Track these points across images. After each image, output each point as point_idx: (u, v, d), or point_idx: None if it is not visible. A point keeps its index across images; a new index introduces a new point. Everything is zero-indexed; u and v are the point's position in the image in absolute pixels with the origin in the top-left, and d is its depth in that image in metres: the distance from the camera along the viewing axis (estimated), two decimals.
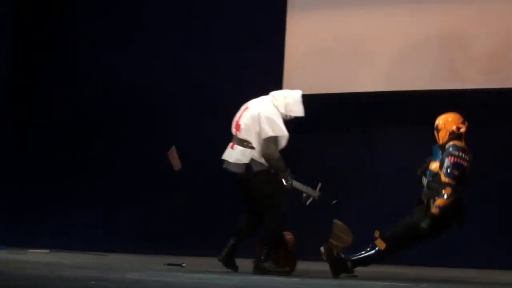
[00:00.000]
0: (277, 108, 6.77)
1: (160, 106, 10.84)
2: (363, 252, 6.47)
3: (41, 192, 10.98)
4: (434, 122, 9.35)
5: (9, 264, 7.00)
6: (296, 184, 6.75)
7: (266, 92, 10.21)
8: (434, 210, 6.17)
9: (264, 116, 6.66)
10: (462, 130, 6.42)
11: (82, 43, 11.40)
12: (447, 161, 6.23)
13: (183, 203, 10.38)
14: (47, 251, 9.52)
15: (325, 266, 7.30)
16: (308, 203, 6.78)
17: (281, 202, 6.69)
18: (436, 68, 9.35)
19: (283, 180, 6.72)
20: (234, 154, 6.72)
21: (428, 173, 6.46)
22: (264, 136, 6.61)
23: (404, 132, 9.62)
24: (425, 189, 6.46)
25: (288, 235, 6.76)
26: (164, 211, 10.51)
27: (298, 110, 6.84)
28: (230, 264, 6.75)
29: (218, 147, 6.98)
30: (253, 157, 6.63)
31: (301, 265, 6.91)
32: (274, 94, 6.92)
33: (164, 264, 7.47)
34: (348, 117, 9.89)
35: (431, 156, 6.55)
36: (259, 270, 6.58)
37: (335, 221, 6.74)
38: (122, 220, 10.59)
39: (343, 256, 6.46)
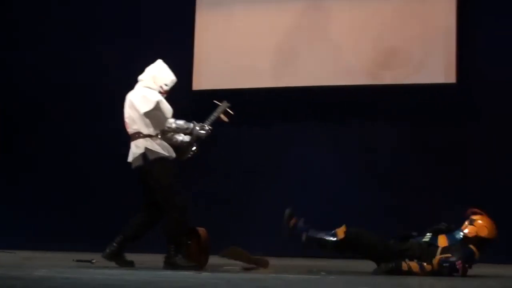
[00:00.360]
0: (148, 87, 6.78)
1: (72, 103, 10.63)
2: (321, 233, 6.42)
3: None
4: (340, 118, 9.53)
5: None
6: (209, 121, 6.83)
7: (175, 89, 10.18)
8: (416, 268, 6.11)
9: (135, 98, 6.70)
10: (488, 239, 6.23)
11: None
12: (456, 263, 6.05)
13: (95, 200, 10.22)
14: None
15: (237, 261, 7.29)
16: (232, 113, 6.90)
17: (179, 195, 6.61)
18: (344, 64, 9.47)
19: (200, 134, 6.74)
20: (131, 151, 6.68)
21: (433, 237, 6.31)
22: (143, 113, 6.59)
23: (309, 126, 9.71)
24: (421, 242, 6.30)
25: (201, 231, 6.73)
26: (72, 207, 10.31)
27: (166, 76, 6.91)
28: (122, 261, 6.71)
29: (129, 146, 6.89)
30: (147, 146, 6.57)
31: (213, 260, 6.88)
32: (139, 77, 6.91)
33: (73, 260, 7.30)
34: (257, 112, 9.92)
35: (450, 228, 6.35)
36: (169, 265, 6.53)
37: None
38: (29, 217, 10.33)
39: (302, 226, 6.42)
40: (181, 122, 6.70)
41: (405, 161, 9.27)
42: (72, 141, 10.52)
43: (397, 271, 6.12)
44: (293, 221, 6.43)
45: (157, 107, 6.62)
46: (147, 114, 6.59)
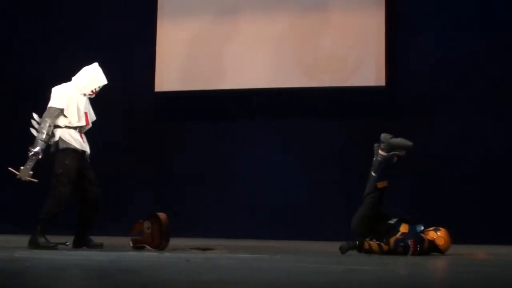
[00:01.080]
0: (75, 85, 6.80)
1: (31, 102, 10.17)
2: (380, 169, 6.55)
3: None
4: (286, 116, 9.58)
5: None
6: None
7: (137, 91, 10.11)
8: (375, 248, 6.17)
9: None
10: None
11: None
12: (409, 241, 6.15)
13: None
14: None
15: (193, 242, 7.29)
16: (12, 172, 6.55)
17: (63, 187, 6.52)
18: (288, 68, 9.52)
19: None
20: None
21: (398, 223, 6.34)
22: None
23: (260, 125, 9.73)
24: (387, 223, 6.37)
25: (162, 216, 6.72)
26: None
27: (97, 81, 6.85)
28: (91, 245, 6.71)
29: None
30: (61, 136, 6.56)
31: (174, 242, 6.90)
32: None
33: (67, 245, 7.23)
34: (211, 111, 9.93)
35: (414, 221, 6.42)
36: (32, 245, 6.42)
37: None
38: (10, 202, 10.05)
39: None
40: (43, 129, 6.50)
41: (342, 154, 9.38)
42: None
43: (359, 249, 6.19)
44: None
45: (56, 111, 6.59)
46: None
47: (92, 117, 6.91)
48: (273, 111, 9.70)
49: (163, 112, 10.06)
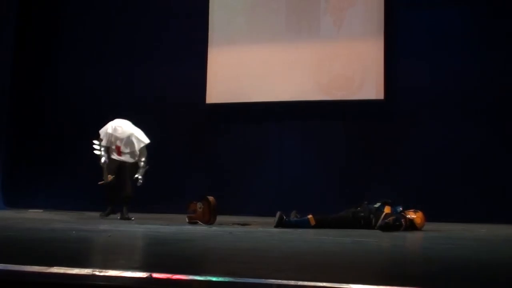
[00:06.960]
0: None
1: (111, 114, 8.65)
2: (297, 222, 6.31)
3: (33, 166, 10.32)
4: (307, 121, 9.52)
5: (12, 220, 6.75)
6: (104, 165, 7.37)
7: (193, 102, 10.10)
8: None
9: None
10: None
11: None
12: (402, 220, 6.05)
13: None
14: (41, 210, 9.19)
15: (235, 219, 7.28)
16: (101, 183, 7.39)
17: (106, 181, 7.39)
18: (309, 86, 9.47)
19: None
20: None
21: (382, 205, 6.26)
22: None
23: (289, 130, 9.65)
24: (371, 207, 6.24)
25: (211, 198, 6.74)
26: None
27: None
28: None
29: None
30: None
31: (220, 219, 6.90)
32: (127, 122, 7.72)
33: (118, 218, 7.31)
34: (249, 117, 9.90)
35: (393, 203, 6.31)
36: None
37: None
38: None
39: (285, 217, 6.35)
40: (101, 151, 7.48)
41: (350, 148, 9.31)
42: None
43: (398, 228, 5.97)
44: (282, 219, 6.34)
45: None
46: None
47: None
48: (297, 117, 9.65)
49: (212, 117, 10.07)
